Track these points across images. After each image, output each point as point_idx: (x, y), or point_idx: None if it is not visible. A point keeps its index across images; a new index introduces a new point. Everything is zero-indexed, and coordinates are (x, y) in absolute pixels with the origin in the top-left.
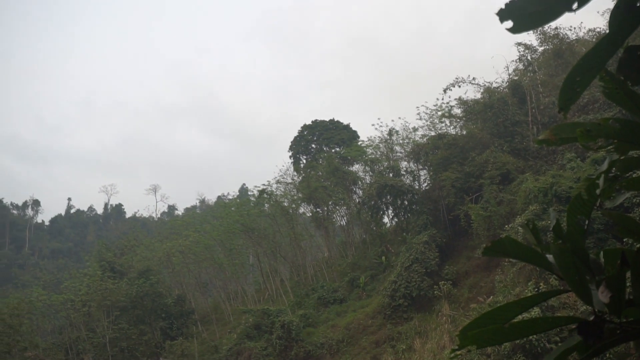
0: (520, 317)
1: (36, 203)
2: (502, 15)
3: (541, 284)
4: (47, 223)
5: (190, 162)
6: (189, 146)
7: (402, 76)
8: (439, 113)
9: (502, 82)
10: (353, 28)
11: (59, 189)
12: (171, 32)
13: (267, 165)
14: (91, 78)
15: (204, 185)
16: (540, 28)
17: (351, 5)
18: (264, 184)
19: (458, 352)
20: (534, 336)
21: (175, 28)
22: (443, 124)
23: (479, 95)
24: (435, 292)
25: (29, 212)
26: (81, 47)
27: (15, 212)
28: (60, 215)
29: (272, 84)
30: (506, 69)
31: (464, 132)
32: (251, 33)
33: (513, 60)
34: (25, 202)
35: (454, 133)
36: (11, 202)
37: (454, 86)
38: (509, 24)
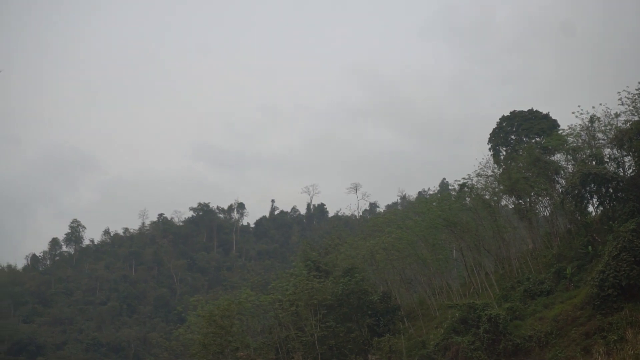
0: None
1: (241, 206)
2: None
3: None
4: (252, 225)
5: (382, 159)
6: (379, 143)
7: (589, 63)
8: None
9: None
10: (533, 17)
11: (255, 192)
12: (350, 34)
13: (459, 159)
14: (273, 85)
15: (398, 181)
16: None
17: None
18: (464, 178)
19: None
20: None
21: (354, 29)
22: None
23: None
24: None
25: (235, 215)
26: (262, 55)
27: (221, 215)
28: (264, 217)
29: (452, 78)
30: None
31: None
32: (429, 29)
33: None
34: (231, 205)
35: None
36: (217, 207)
37: None
38: None
